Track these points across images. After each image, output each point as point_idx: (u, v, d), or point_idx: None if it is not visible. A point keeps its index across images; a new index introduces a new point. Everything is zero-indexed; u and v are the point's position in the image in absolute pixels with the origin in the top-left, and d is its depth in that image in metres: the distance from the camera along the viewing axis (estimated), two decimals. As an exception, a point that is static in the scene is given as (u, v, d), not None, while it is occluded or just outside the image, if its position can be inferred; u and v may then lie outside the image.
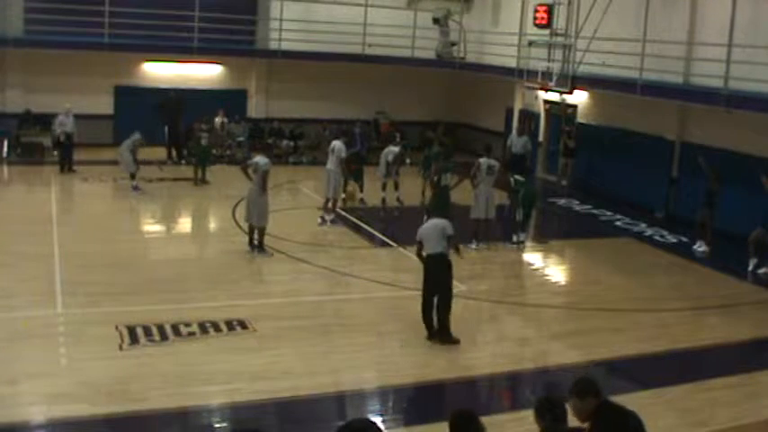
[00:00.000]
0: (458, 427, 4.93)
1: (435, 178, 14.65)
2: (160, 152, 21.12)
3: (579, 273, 14.78)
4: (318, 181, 16.68)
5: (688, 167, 17.30)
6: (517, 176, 17.34)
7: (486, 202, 14.75)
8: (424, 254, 10.27)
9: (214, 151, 22.03)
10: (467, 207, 14.85)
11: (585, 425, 5.19)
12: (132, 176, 17.86)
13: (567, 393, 5.25)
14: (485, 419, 5.07)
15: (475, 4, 25.13)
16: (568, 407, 5.21)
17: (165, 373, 8.87)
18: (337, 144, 15.99)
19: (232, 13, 22.77)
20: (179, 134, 21.33)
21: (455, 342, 10.11)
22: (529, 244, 15.75)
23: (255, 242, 13.62)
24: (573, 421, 5.21)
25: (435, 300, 10.18)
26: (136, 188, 17.73)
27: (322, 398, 8.65)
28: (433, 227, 10.32)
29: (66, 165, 19.37)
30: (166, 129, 21.42)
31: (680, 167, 18.05)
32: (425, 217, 14.41)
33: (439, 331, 10.16)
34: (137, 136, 17.91)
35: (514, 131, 22.14)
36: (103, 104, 22.43)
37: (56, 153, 19.87)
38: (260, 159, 13.65)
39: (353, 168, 17.18)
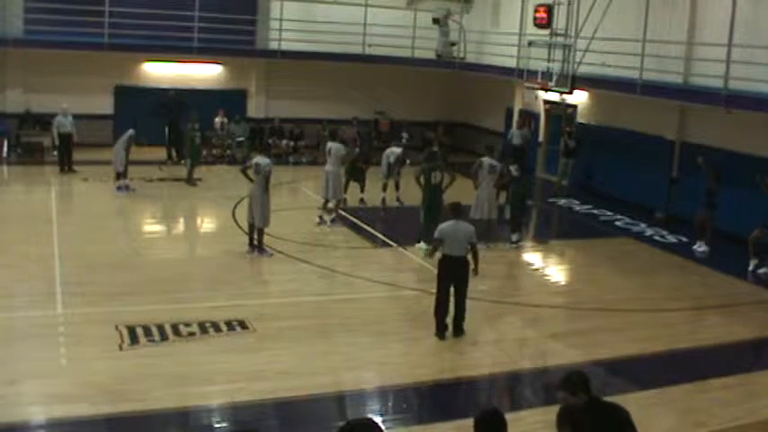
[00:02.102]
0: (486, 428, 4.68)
1: (422, 179, 14.57)
2: (160, 152, 21.15)
3: (579, 273, 14.77)
4: (318, 181, 16.68)
5: (688, 167, 17.29)
6: (511, 166, 17.22)
7: (487, 202, 14.74)
8: (441, 254, 10.35)
9: (214, 151, 22.12)
10: (467, 207, 14.81)
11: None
12: (118, 176, 17.86)
13: (558, 387, 5.25)
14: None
15: (475, 4, 25.10)
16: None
17: (165, 373, 8.87)
18: (335, 145, 16.01)
19: (232, 13, 22.84)
20: (179, 134, 21.32)
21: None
22: (529, 244, 15.75)
23: (255, 242, 13.62)
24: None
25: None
26: (124, 188, 17.70)
27: (322, 398, 8.64)
28: (454, 229, 10.32)
29: (65, 165, 19.38)
30: (167, 129, 21.44)
31: (680, 167, 18.05)
32: (421, 216, 14.42)
33: (454, 330, 10.44)
34: (131, 133, 17.94)
35: (515, 125, 22.31)
36: (103, 104, 22.45)
37: (55, 153, 19.88)
38: (260, 160, 13.62)
39: (359, 165, 17.16)
